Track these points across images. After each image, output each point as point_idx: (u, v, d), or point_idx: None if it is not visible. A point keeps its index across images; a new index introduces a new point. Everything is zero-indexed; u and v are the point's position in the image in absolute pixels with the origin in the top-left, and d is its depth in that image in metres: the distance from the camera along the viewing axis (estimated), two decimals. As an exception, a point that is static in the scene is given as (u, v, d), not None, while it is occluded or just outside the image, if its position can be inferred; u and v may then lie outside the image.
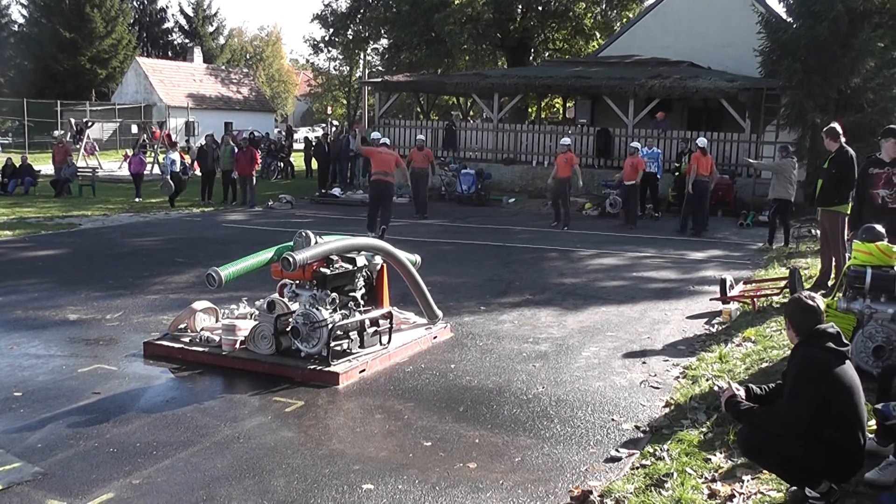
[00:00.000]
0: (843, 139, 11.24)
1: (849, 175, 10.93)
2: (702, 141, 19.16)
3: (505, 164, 26.66)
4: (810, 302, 4.96)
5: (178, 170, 23.32)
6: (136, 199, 23.48)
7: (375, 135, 22.68)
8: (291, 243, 8.11)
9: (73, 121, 37.47)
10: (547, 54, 41.82)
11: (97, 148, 36.18)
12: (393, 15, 37.03)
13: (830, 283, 11.10)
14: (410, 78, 31.18)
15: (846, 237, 10.64)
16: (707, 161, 18.53)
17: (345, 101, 65.53)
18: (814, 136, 21.09)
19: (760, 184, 22.97)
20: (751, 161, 19.49)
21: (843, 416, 4.70)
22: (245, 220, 20.03)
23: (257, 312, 8.29)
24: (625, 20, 37.77)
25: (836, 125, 11.45)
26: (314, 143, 32.71)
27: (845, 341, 4.90)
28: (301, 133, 54.36)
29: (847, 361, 4.85)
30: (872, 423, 5.76)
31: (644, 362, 8.34)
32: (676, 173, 22.31)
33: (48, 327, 9.34)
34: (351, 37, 41.75)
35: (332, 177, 28.87)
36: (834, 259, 11.19)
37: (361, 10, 39.43)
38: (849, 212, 10.80)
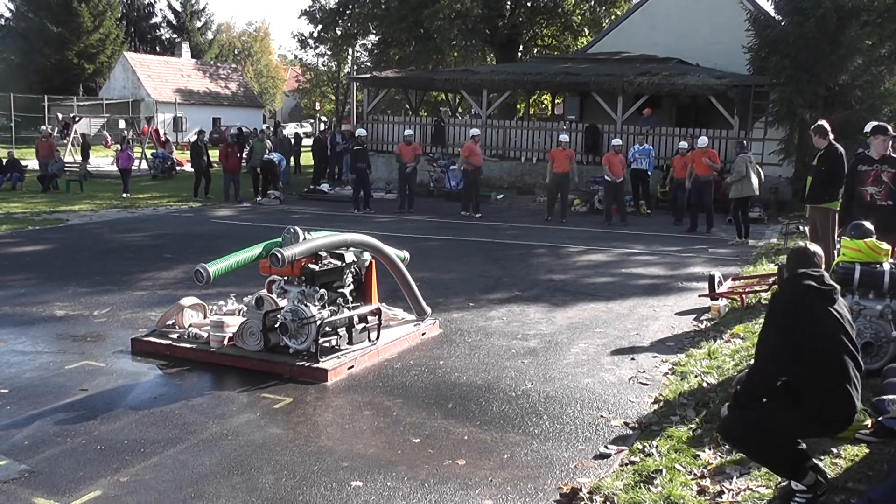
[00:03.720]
0: (831, 136, 11.25)
1: (838, 172, 10.94)
2: (702, 140, 19.24)
3: (494, 160, 26.64)
4: (806, 248, 5.06)
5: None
6: (125, 195, 23.38)
7: (360, 131, 22.81)
8: (280, 239, 8.09)
9: (59, 116, 37.32)
10: (536, 50, 41.81)
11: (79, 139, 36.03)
12: (382, 11, 36.97)
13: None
14: (399, 74, 31.13)
15: (836, 234, 10.66)
16: (700, 160, 18.57)
17: (333, 97, 65.44)
18: (802, 132, 21.17)
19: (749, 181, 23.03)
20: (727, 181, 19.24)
21: (818, 357, 4.66)
22: (233, 216, 19.98)
23: (245, 309, 8.26)
24: (613, 17, 37.78)
25: (823, 123, 11.45)
26: (313, 139, 32.65)
27: (829, 282, 4.85)
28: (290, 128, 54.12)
29: (833, 301, 4.79)
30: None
31: (633, 359, 8.34)
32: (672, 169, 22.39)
33: (35, 324, 9.29)
34: (339, 33, 41.69)
35: (323, 173, 28.96)
36: (824, 255, 11.19)
37: (350, 6, 39.35)
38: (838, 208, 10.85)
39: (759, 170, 17.27)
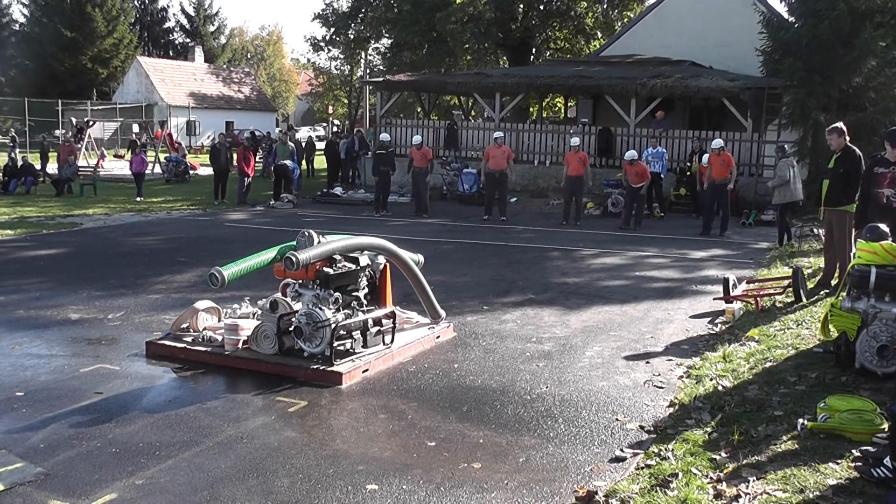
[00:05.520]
0: (847, 138, 11.18)
1: (857, 174, 10.85)
2: (716, 142, 19.02)
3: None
4: None
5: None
6: (138, 199, 23.47)
7: (384, 136, 22.92)
8: (294, 243, 8.09)
9: (73, 120, 37.49)
10: (548, 54, 41.81)
11: (104, 153, 36.28)
12: (394, 14, 37.01)
13: (834, 282, 11.08)
14: (412, 77, 31.14)
15: (853, 236, 10.59)
16: (716, 162, 18.42)
17: (346, 101, 65.54)
18: (815, 134, 21.09)
19: (762, 183, 22.96)
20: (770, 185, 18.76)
21: None
22: (247, 220, 20.02)
23: (260, 312, 8.27)
24: (626, 20, 37.74)
25: (840, 124, 11.39)
26: (326, 142, 32.85)
27: None
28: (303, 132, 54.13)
29: None
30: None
31: (648, 362, 8.31)
32: (688, 173, 22.40)
33: (50, 327, 9.32)
34: (352, 36, 41.77)
35: (336, 177, 29.16)
36: (840, 258, 11.16)
37: (363, 10, 39.42)
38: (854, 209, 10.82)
39: (798, 173, 17.07)
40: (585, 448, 6.03)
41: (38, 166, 27.67)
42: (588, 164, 20.49)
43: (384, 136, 23.05)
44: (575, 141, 20.81)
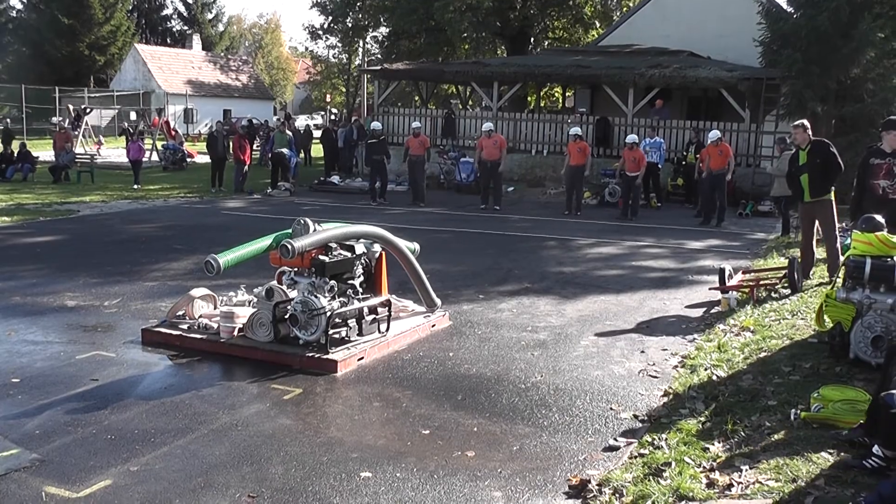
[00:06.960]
0: (811, 132, 11.33)
1: (835, 160, 10.95)
2: (714, 133, 19.01)
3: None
4: None
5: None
6: (135, 186, 23.43)
7: (375, 125, 22.84)
8: (290, 231, 8.09)
9: (71, 107, 37.39)
10: (546, 43, 41.70)
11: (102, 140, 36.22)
12: (392, 3, 36.87)
13: (816, 272, 11.16)
14: (410, 66, 31.08)
15: (841, 226, 10.65)
16: (714, 153, 18.42)
17: (344, 89, 65.40)
18: (814, 126, 20.99)
19: (760, 174, 22.99)
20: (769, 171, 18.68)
21: None
22: (244, 208, 20.01)
23: (255, 300, 8.28)
24: (624, 9, 37.65)
25: (804, 121, 11.54)
26: (322, 131, 32.87)
27: None
28: (301, 120, 53.95)
29: None
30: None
31: (642, 351, 8.33)
32: (683, 162, 22.38)
33: (46, 313, 9.32)
34: (350, 24, 41.65)
35: (333, 165, 29.13)
36: (828, 246, 11.22)
37: (361, -2, 39.36)
38: (833, 197, 10.98)
39: None
40: (579, 437, 6.05)
41: None
42: (589, 153, 20.49)
43: (375, 125, 22.95)
44: (575, 130, 20.80)
